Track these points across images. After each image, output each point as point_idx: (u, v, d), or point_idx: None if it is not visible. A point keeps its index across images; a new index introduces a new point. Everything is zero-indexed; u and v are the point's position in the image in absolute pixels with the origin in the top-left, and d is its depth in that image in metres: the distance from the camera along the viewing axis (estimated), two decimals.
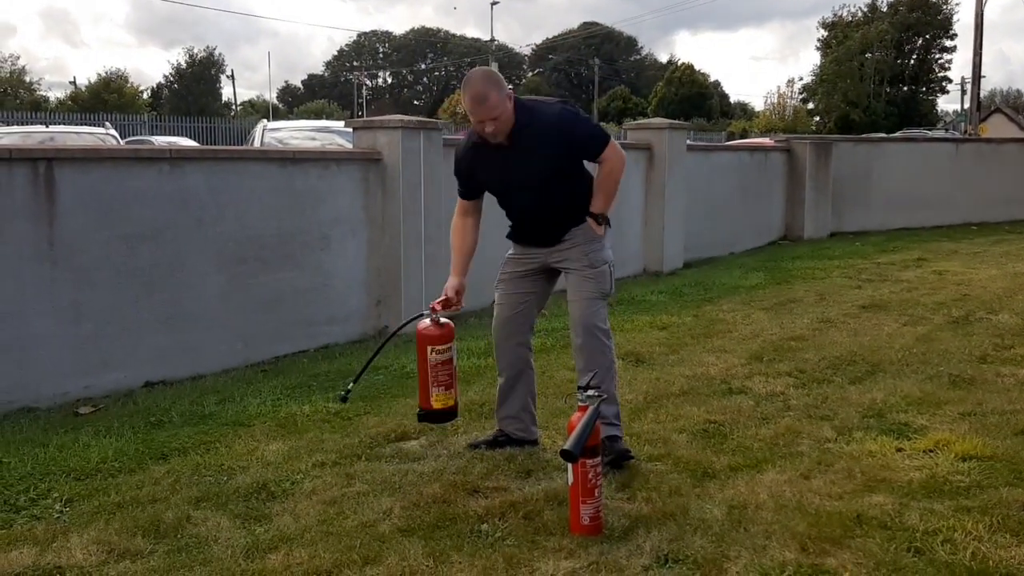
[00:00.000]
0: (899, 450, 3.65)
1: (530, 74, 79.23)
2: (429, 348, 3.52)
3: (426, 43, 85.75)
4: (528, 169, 3.52)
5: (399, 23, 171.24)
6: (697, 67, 62.81)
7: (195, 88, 60.45)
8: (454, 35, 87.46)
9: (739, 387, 4.68)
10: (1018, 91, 70.39)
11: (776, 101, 52.99)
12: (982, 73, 26.41)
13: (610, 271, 3.65)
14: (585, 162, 3.65)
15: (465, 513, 3.10)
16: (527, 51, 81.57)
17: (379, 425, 4.13)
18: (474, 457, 3.66)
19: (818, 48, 54.89)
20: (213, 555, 2.83)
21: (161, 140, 19.48)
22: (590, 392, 3.02)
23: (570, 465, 2.92)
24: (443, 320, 3.57)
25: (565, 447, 2.86)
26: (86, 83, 54.19)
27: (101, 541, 2.93)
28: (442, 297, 3.63)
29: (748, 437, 3.88)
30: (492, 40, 63.01)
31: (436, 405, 3.57)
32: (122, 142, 12.72)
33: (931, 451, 3.61)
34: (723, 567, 2.68)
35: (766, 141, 14.93)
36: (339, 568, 2.72)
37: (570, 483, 2.95)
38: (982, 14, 24.60)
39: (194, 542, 2.93)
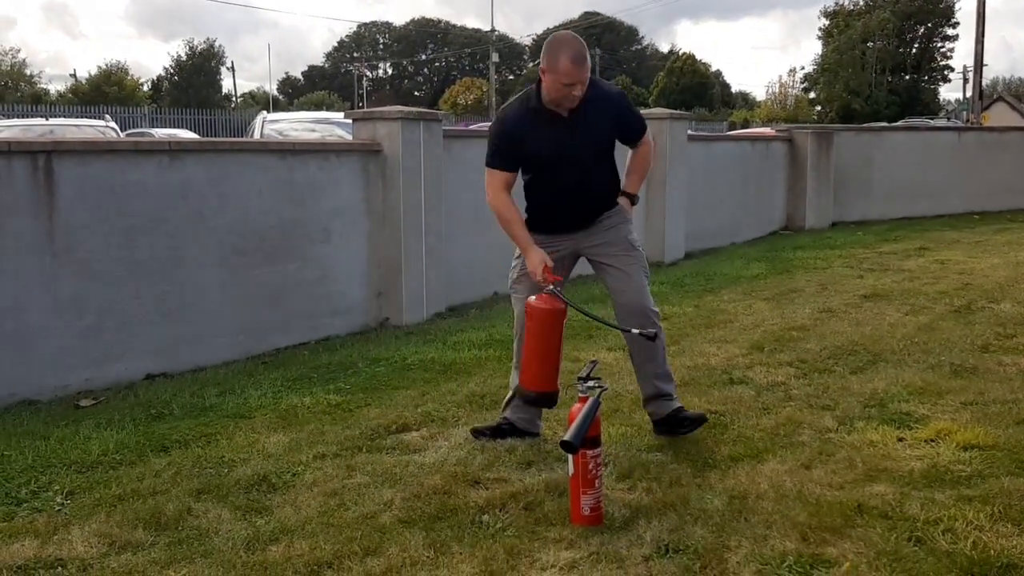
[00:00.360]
0: (900, 440, 3.65)
1: (531, 64, 78.92)
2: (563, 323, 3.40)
3: (426, 34, 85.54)
4: (585, 140, 3.54)
5: (399, 14, 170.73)
6: (698, 57, 62.69)
7: (195, 80, 60.34)
8: (454, 26, 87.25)
9: (740, 377, 4.68)
10: (1020, 79, 70.29)
11: (778, 91, 52.92)
12: (984, 62, 26.34)
13: (644, 253, 3.73)
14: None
15: (466, 504, 3.10)
16: (528, 41, 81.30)
17: (380, 417, 4.13)
18: (475, 448, 3.66)
19: (820, 37, 54.77)
20: (214, 547, 2.83)
21: (161, 132, 19.39)
22: (590, 383, 3.02)
23: (570, 456, 2.93)
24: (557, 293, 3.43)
25: (565, 438, 2.86)
26: (86, 76, 54.30)
27: (102, 533, 2.94)
28: (543, 271, 3.42)
29: (749, 427, 3.87)
30: (493, 31, 62.73)
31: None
32: (122, 135, 12.71)
33: (932, 440, 3.60)
34: (723, 557, 2.68)
35: (767, 131, 14.89)
36: (340, 559, 2.73)
37: (570, 474, 2.95)
38: (984, 2, 24.51)
39: (195, 534, 2.94)
